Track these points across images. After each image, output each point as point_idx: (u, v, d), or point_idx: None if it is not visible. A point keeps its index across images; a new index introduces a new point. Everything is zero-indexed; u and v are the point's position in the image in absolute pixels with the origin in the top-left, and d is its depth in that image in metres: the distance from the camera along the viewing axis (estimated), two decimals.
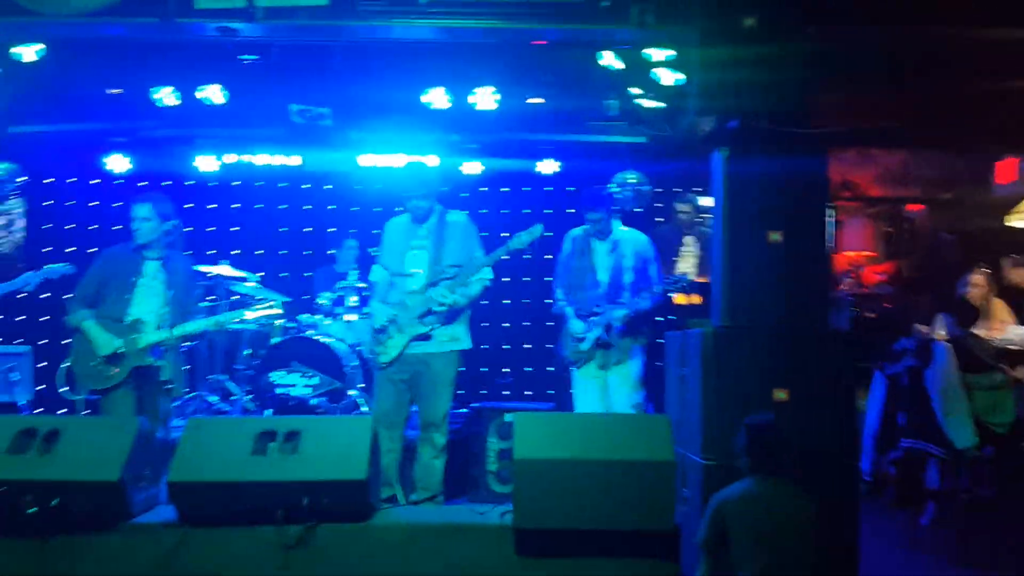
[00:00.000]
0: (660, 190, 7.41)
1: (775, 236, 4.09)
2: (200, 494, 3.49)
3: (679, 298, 5.96)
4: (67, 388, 4.71)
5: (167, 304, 4.78)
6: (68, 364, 4.69)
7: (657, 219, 7.43)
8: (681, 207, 6.81)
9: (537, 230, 4.72)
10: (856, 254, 8.62)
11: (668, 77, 5.06)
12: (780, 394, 3.90)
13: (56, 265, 5.45)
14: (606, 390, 5.11)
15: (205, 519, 3.52)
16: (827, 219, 4.31)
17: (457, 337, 4.79)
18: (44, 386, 7.42)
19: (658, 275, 5.14)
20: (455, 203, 5.14)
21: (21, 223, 8.16)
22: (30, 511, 3.41)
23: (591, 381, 5.14)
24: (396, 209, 5.00)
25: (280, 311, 5.72)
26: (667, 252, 5.98)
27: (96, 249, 8.13)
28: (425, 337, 4.69)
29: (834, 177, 6.66)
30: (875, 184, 8.37)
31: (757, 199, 4.17)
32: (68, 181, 8.16)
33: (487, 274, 4.81)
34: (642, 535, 3.44)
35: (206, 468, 3.52)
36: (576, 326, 5.12)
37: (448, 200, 5.05)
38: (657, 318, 5.24)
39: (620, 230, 5.20)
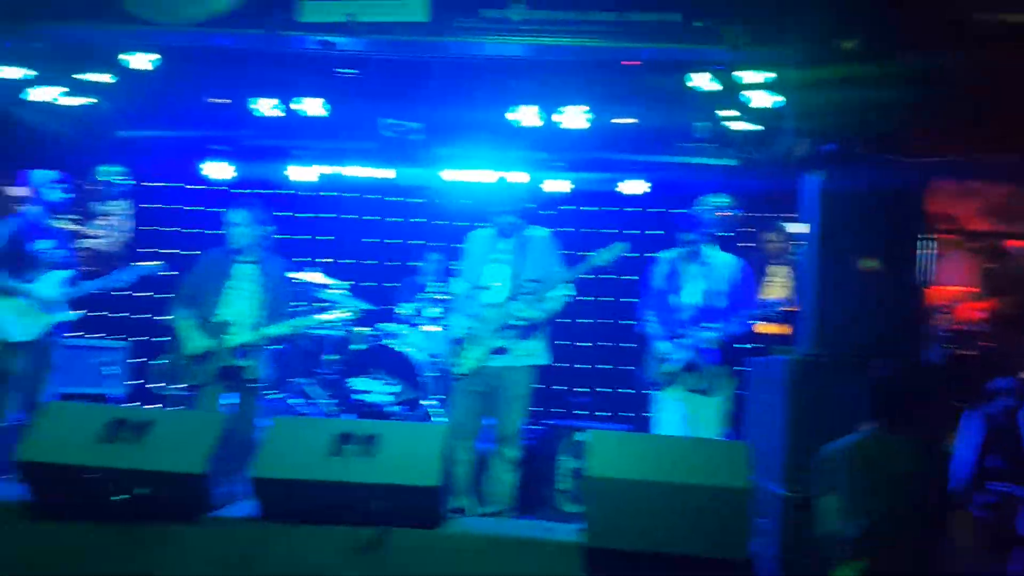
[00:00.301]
0: (750, 214, 7.27)
1: (869, 263, 3.97)
2: (280, 491, 3.57)
3: (764, 326, 5.82)
4: (162, 383, 4.94)
5: (258, 307, 4.95)
6: (163, 360, 4.92)
7: (744, 245, 7.30)
8: (769, 235, 6.66)
9: (618, 248, 4.69)
10: (954, 289, 8.27)
11: (762, 99, 4.98)
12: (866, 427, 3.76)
13: (149, 263, 5.65)
14: (691, 417, 4.91)
15: (283, 515, 3.59)
16: (923, 250, 4.16)
17: (534, 352, 4.79)
18: (138, 381, 7.74)
19: (751, 301, 4.95)
20: (539, 220, 5.15)
21: (125, 224, 8.55)
22: (116, 498, 3.54)
23: (675, 405, 4.95)
24: (480, 224, 5.05)
25: (350, 314, 5.87)
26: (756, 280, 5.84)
27: (195, 252, 8.54)
28: (502, 351, 4.71)
29: (934, 209, 6.42)
30: (977, 218, 8.02)
31: (851, 225, 4.06)
32: (170, 185, 8.53)
33: (567, 290, 4.80)
34: (715, 563, 3.35)
35: (287, 466, 3.60)
36: (663, 347, 4.98)
37: (532, 217, 5.07)
38: (745, 346, 5.08)
39: (714, 253, 5.08)
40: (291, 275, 6.78)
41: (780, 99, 4.91)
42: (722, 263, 5.00)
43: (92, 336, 7.64)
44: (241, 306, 4.98)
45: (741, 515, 3.35)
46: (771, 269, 6.43)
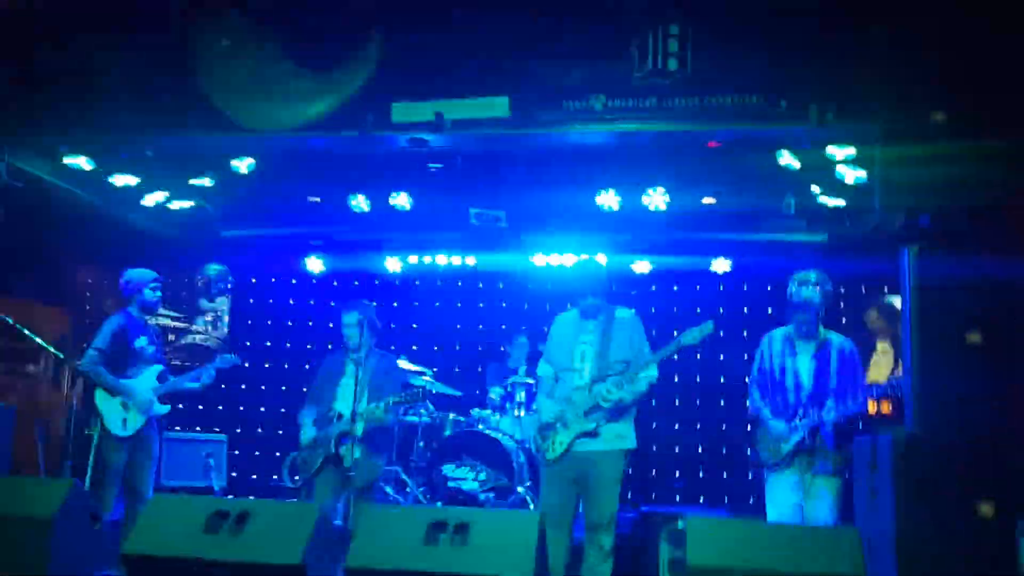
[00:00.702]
0: (851, 291, 7.12)
1: (974, 337, 3.81)
2: None
3: (870, 406, 5.60)
4: (295, 476, 5.20)
5: (363, 397, 5.18)
6: (293, 455, 5.17)
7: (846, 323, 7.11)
8: (872, 313, 6.46)
9: (708, 327, 4.64)
10: None
11: (850, 175, 4.92)
12: (985, 508, 3.56)
13: (227, 356, 5.89)
14: (804, 501, 4.68)
15: None
16: None
17: (624, 435, 4.72)
18: (235, 472, 7.94)
19: (862, 381, 4.73)
20: (625, 301, 5.15)
21: (226, 319, 8.93)
22: None
23: (788, 489, 4.75)
24: (566, 306, 5.08)
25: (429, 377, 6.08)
26: (863, 358, 5.66)
27: (290, 343, 8.83)
28: (592, 434, 4.65)
29: None
30: None
31: (951, 298, 3.92)
32: (270, 280, 8.90)
33: (653, 372, 4.74)
34: None
35: (380, 556, 3.60)
36: (778, 427, 4.81)
37: (618, 298, 5.07)
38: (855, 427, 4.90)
39: (825, 333, 4.92)
40: (400, 364, 6.97)
41: (868, 174, 4.84)
42: (836, 343, 4.89)
43: (193, 430, 7.93)
44: (349, 398, 5.22)
45: None
46: (879, 347, 6.23)
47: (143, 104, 5.12)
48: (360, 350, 5.32)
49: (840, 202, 5.45)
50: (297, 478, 5.34)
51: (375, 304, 5.64)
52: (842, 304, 7.28)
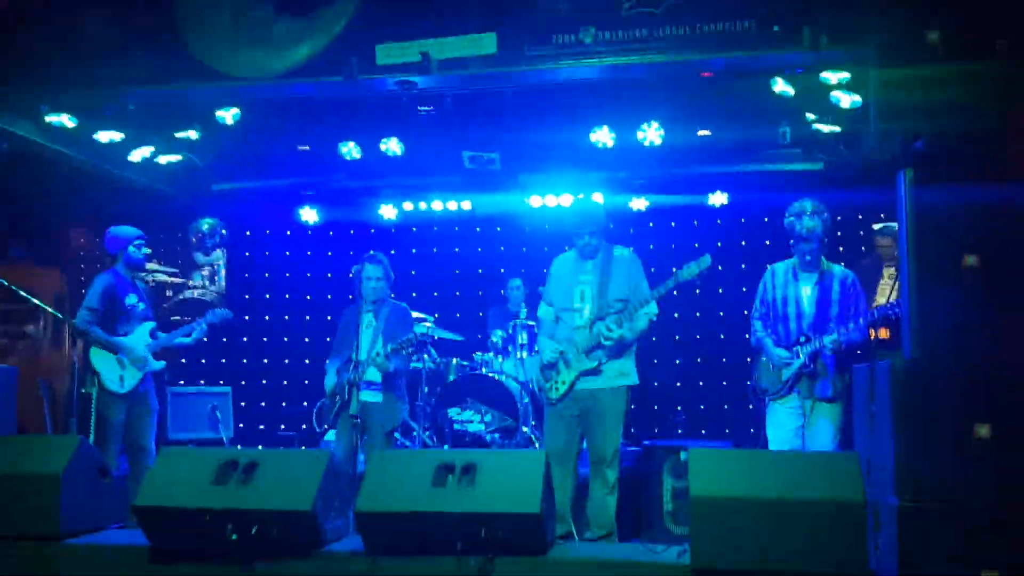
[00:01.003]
0: (839, 218, 7.08)
1: (970, 260, 3.79)
2: (384, 524, 3.61)
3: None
4: (323, 425, 5.52)
5: (376, 347, 5.25)
6: (319, 404, 5.32)
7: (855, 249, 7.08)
8: (882, 239, 6.43)
9: (705, 261, 4.64)
10: None
11: (846, 100, 4.85)
12: (982, 430, 3.59)
13: (218, 311, 5.91)
14: (805, 426, 4.82)
15: (390, 548, 3.63)
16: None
17: (626, 372, 4.76)
18: (242, 424, 8.01)
19: (863, 308, 4.86)
20: (623, 239, 5.13)
21: (223, 273, 8.92)
22: (232, 538, 3.65)
23: (789, 415, 4.87)
24: (564, 247, 5.07)
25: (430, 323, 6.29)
26: (869, 286, 5.66)
27: (289, 295, 8.83)
28: (594, 372, 4.69)
29: None
30: None
31: (948, 222, 3.88)
32: (264, 233, 8.86)
33: (653, 309, 4.76)
34: None
35: (390, 499, 3.65)
36: (780, 354, 4.91)
37: (615, 236, 5.05)
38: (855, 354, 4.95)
39: (828, 264, 4.98)
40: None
41: (863, 98, 4.77)
42: (837, 273, 4.92)
43: (198, 384, 7.98)
44: (366, 347, 5.30)
45: (858, 529, 3.23)
46: (886, 272, 6.22)
47: (122, 57, 5.02)
48: (378, 302, 5.43)
49: (836, 128, 5.39)
50: (326, 425, 5.49)
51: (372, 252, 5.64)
52: (839, 232, 7.26)
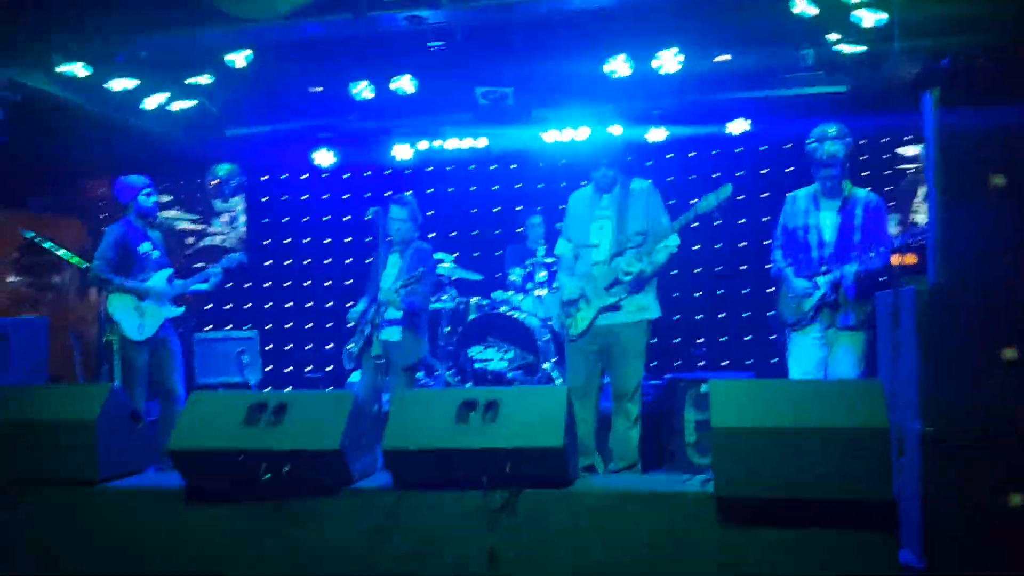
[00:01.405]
0: (863, 142, 6.94)
1: (997, 180, 3.71)
2: (411, 461, 3.68)
3: (893, 259, 5.54)
4: (351, 365, 5.56)
5: (397, 287, 5.29)
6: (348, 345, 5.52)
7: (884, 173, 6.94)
8: (913, 163, 6.29)
9: (725, 191, 4.56)
10: None
11: (869, 18, 4.69)
12: (1010, 353, 3.56)
13: (232, 256, 5.93)
14: (828, 357, 4.75)
15: (417, 484, 3.71)
16: None
17: (646, 307, 4.74)
18: (269, 367, 8.13)
19: (886, 234, 4.72)
20: (641, 172, 5.06)
21: (243, 219, 8.95)
22: (265, 477, 3.73)
23: (811, 346, 4.78)
24: (581, 182, 5.02)
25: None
26: (904, 207, 5.54)
27: (309, 239, 8.86)
28: (614, 308, 4.68)
29: None
30: None
31: (974, 142, 3.79)
32: (281, 177, 8.85)
33: (674, 241, 4.71)
34: (856, 505, 3.25)
35: (415, 437, 3.70)
36: (801, 284, 4.81)
37: (633, 169, 4.98)
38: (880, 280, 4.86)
39: (850, 188, 4.82)
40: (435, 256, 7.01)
41: (888, 17, 4.61)
42: (860, 197, 4.80)
43: (224, 329, 8.08)
44: (386, 286, 5.36)
45: (881, 454, 3.23)
46: (920, 191, 6.09)
47: (132, 3, 4.96)
48: (404, 243, 5.49)
49: (859, 49, 5.22)
50: (351, 366, 5.57)
51: (388, 193, 5.63)
52: (864, 156, 7.13)
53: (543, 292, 6.77)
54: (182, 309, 5.61)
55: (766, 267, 5.21)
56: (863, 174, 7.02)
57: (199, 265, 8.11)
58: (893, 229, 6.09)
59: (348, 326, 5.55)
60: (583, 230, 4.83)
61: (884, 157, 7.34)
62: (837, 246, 4.75)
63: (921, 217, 5.90)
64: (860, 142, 6.86)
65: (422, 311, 5.49)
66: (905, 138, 7.13)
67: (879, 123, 6.79)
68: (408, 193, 5.62)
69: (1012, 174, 3.74)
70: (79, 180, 8.13)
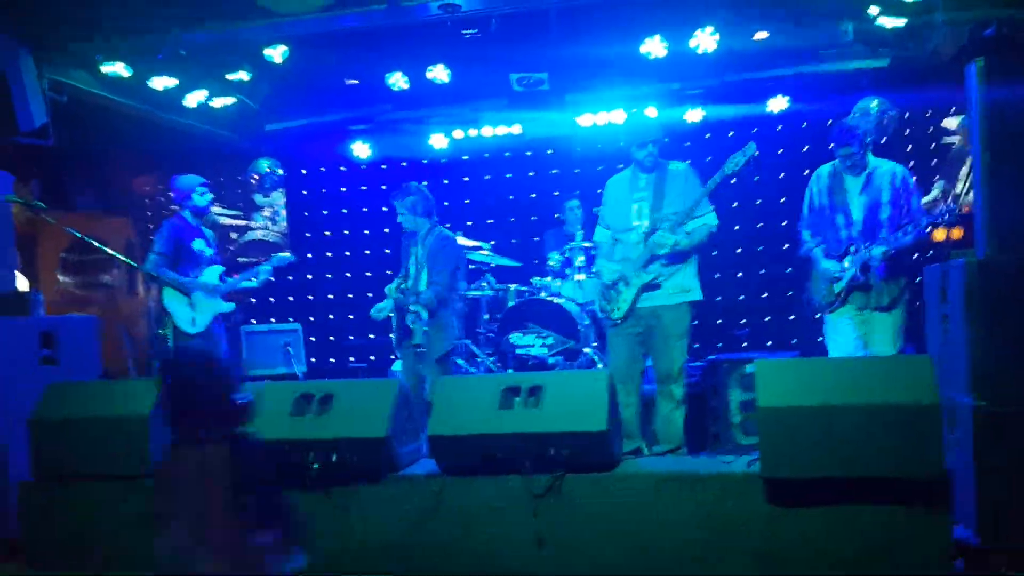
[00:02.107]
0: (906, 115, 6.80)
1: None
2: (455, 446, 3.71)
3: (939, 233, 5.42)
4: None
5: (419, 277, 5.34)
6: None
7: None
8: (956, 135, 6.14)
9: (751, 148, 4.52)
10: None
11: None
12: None
13: (281, 256, 6.06)
14: (864, 337, 4.69)
15: (461, 470, 3.74)
16: None
17: (688, 288, 4.71)
18: (314, 359, 8.23)
19: (917, 208, 4.63)
20: (678, 153, 5.02)
21: (283, 213, 9.06)
22: (314, 466, 3.79)
23: (847, 327, 4.72)
24: (618, 167, 4.99)
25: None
26: (950, 180, 5.41)
27: (348, 232, 8.94)
28: (654, 287, 4.65)
29: None
30: None
31: (1021, 113, 3.70)
32: (320, 170, 8.94)
33: (712, 220, 4.67)
34: (908, 483, 3.21)
35: (459, 423, 3.74)
36: (830, 266, 4.74)
37: (670, 150, 4.94)
38: (916, 256, 4.76)
39: (875, 162, 4.74)
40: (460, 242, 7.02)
41: None
42: (886, 171, 4.70)
43: (268, 322, 8.20)
44: (412, 278, 5.40)
45: (933, 431, 3.19)
46: (968, 161, 5.95)
47: (170, 1, 5.03)
48: (419, 232, 5.45)
49: (900, 22, 5.11)
50: (393, 356, 5.72)
51: (424, 183, 5.64)
52: (908, 131, 6.98)
53: (582, 277, 6.76)
54: (232, 305, 5.73)
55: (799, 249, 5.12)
56: (907, 149, 6.88)
57: (243, 260, 8.24)
58: (937, 194, 5.94)
59: (379, 317, 5.53)
60: (621, 214, 4.81)
61: (928, 131, 7.18)
62: (865, 224, 4.64)
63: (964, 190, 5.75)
64: (904, 116, 6.76)
65: (445, 302, 5.42)
66: (950, 110, 6.96)
67: (922, 97, 6.64)
68: (414, 183, 5.53)
69: None
70: (124, 178, 8.27)
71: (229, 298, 5.71)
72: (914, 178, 4.75)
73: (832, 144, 4.70)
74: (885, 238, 4.55)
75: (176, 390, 2.65)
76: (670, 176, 4.75)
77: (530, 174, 8.71)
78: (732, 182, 4.65)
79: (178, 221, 5.65)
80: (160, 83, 5.95)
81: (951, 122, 6.16)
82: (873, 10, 5.14)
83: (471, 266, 7.32)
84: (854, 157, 4.63)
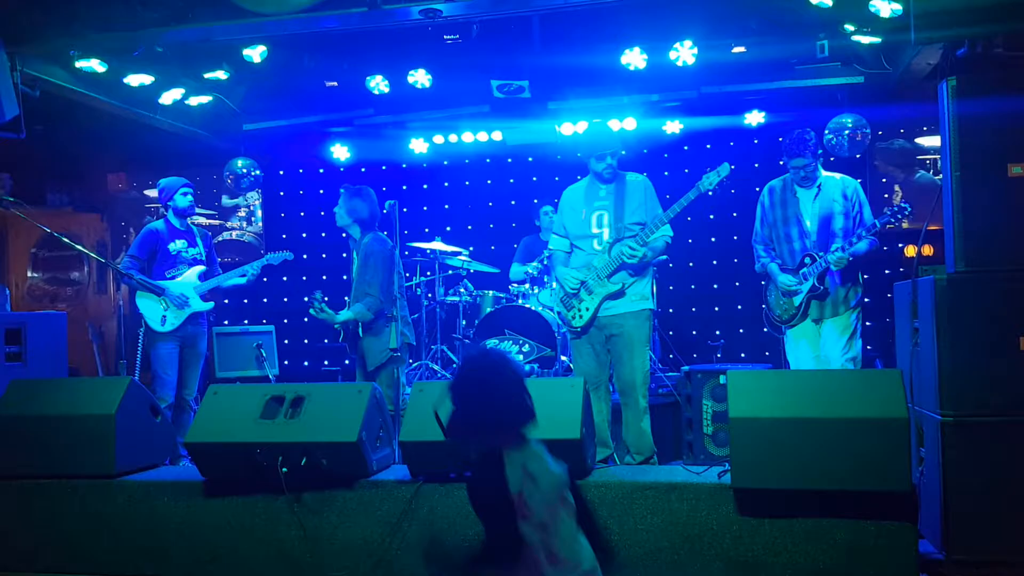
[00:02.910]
0: (880, 132, 6.89)
1: (1016, 170, 3.67)
2: (427, 452, 3.69)
3: (909, 250, 5.52)
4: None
5: (355, 286, 5.33)
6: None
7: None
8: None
9: (724, 169, 4.59)
10: None
11: (885, 8, 4.65)
12: None
13: (277, 254, 6.03)
14: (818, 343, 4.84)
15: (434, 475, 3.72)
16: None
17: (647, 296, 4.77)
18: (287, 361, 8.16)
19: (867, 216, 4.79)
20: (657, 164, 5.05)
21: (259, 213, 8.99)
22: (283, 470, 3.75)
23: (806, 340, 4.84)
24: (577, 177, 5.03)
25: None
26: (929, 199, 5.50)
27: (324, 234, 8.88)
28: (618, 295, 4.67)
29: None
30: None
31: (992, 131, 3.75)
32: (298, 172, 8.88)
33: (668, 231, 4.72)
34: (875, 496, 3.24)
35: (431, 428, 3.70)
36: (787, 279, 4.85)
37: (646, 161, 4.98)
38: (884, 270, 4.86)
39: (824, 175, 4.88)
40: (418, 245, 6.96)
41: (904, 7, 4.57)
42: (837, 182, 4.84)
43: (242, 323, 8.13)
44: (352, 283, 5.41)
45: (900, 445, 3.22)
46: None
47: None
48: (353, 236, 5.41)
49: (875, 40, 5.18)
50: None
51: (390, 201, 5.58)
52: (896, 141, 7.09)
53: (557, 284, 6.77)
54: (211, 304, 5.72)
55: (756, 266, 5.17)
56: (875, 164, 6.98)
57: (217, 260, 8.16)
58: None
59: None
60: (581, 221, 4.83)
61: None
62: (819, 234, 4.76)
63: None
64: (878, 132, 6.85)
65: (380, 312, 5.26)
66: (923, 128, 7.07)
67: (897, 114, 6.74)
68: (369, 189, 5.44)
69: None
70: (98, 175, 8.18)
71: (210, 298, 5.69)
72: (861, 188, 4.88)
73: (784, 157, 4.82)
74: (840, 246, 4.64)
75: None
76: (629, 187, 4.79)
77: (510, 181, 8.71)
78: (710, 194, 4.68)
79: (159, 223, 5.72)
80: (136, 80, 5.88)
81: (925, 140, 6.25)
82: (849, 27, 5.20)
83: (449, 272, 7.31)
84: (807, 168, 4.77)
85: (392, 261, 5.28)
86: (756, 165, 7.54)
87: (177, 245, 5.66)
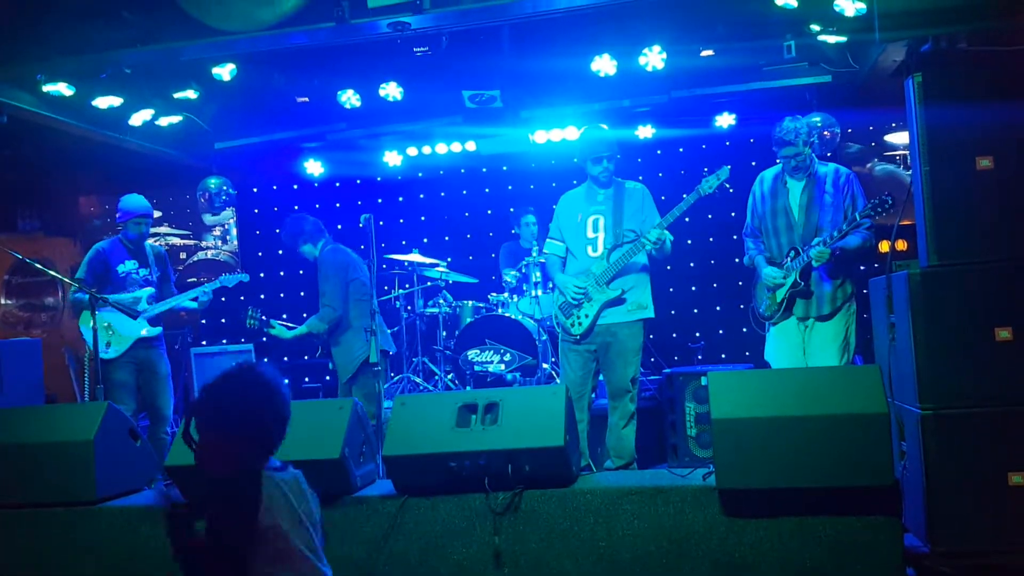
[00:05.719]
0: (849, 130, 6.96)
1: (984, 163, 3.72)
2: (412, 466, 3.67)
3: (883, 245, 5.52)
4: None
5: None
6: None
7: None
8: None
9: (724, 172, 4.60)
10: None
11: (850, 7, 4.70)
12: (1003, 333, 3.57)
13: (232, 275, 5.96)
14: (806, 348, 4.67)
15: (419, 490, 3.70)
16: None
17: (645, 305, 4.75)
18: None
19: (859, 209, 4.56)
20: (630, 169, 5.07)
21: (234, 232, 8.93)
22: None
23: (788, 338, 4.73)
24: (572, 182, 5.02)
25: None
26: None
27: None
28: (618, 302, 4.67)
29: None
30: None
31: (959, 126, 3.80)
32: (272, 188, 8.84)
33: (667, 237, 4.69)
34: (859, 491, 3.26)
35: (415, 442, 3.69)
36: (771, 272, 4.71)
37: (622, 167, 4.99)
38: (863, 268, 4.82)
39: (819, 165, 4.74)
40: (395, 257, 6.95)
41: (868, 6, 4.62)
42: (829, 172, 4.73)
43: (220, 343, 8.06)
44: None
45: (881, 440, 3.24)
46: None
47: (113, 18, 4.94)
48: (317, 254, 5.51)
49: (841, 39, 5.23)
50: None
51: (379, 201, 5.60)
52: (851, 144, 7.16)
53: (538, 292, 6.77)
54: (159, 329, 5.54)
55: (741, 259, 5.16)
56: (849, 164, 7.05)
57: (192, 280, 8.10)
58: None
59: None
60: (577, 227, 4.83)
61: (872, 145, 7.38)
62: (806, 226, 4.63)
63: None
64: (847, 131, 6.92)
65: (341, 323, 5.33)
66: (892, 125, 7.16)
67: (865, 112, 6.81)
68: (290, 216, 5.69)
69: (998, 156, 3.76)
70: (69, 199, 8.10)
71: (158, 321, 5.52)
72: (853, 180, 4.74)
73: (775, 146, 4.76)
74: (822, 240, 4.52)
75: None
76: (627, 193, 4.80)
77: (486, 190, 8.73)
78: (683, 195, 4.70)
79: (107, 244, 5.56)
80: (104, 102, 5.83)
81: (894, 137, 6.32)
82: (815, 27, 5.25)
83: (427, 283, 7.30)
84: (797, 158, 4.64)
85: (343, 268, 5.32)
86: (728, 167, 7.58)
87: (127, 266, 5.49)
